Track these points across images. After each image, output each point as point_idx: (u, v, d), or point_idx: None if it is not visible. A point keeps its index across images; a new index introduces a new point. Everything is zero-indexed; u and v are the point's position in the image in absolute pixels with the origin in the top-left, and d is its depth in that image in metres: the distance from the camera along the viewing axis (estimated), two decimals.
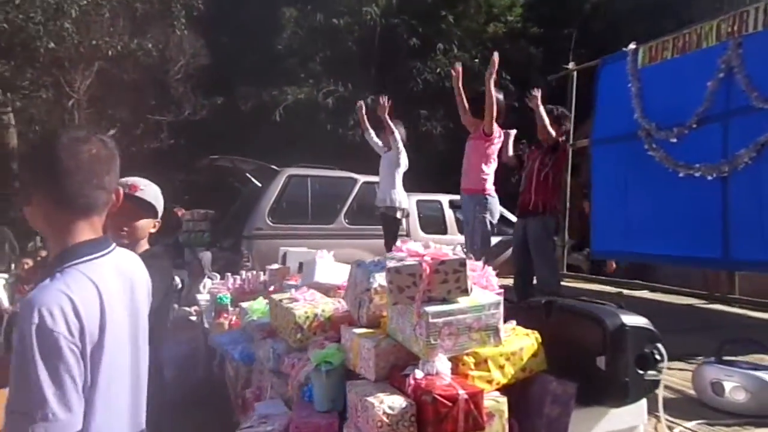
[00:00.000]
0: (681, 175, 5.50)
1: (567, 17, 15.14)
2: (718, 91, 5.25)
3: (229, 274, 5.78)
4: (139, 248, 2.38)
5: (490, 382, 1.87)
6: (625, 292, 6.06)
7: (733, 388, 2.52)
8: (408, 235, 8.19)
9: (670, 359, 3.23)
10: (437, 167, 12.74)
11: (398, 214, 5.77)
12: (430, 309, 1.79)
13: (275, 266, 5.73)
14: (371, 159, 12.89)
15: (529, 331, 2.05)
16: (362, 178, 7.97)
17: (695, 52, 5.53)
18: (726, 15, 5.29)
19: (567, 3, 15.27)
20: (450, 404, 1.65)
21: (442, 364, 1.78)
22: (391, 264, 1.85)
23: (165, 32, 15.42)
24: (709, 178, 5.26)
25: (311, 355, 2.06)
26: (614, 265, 8.30)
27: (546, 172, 4.83)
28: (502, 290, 2.25)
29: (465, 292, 1.86)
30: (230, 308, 3.80)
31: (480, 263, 2.31)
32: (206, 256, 7.53)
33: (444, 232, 8.45)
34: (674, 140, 5.59)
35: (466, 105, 4.83)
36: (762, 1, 4.98)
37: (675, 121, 5.59)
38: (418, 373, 1.75)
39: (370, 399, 1.70)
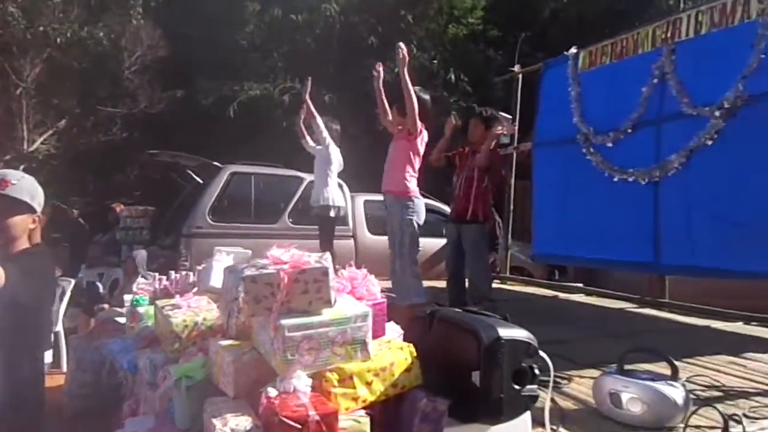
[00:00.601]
0: (616, 179, 5.51)
1: (526, 21, 15.21)
2: (651, 96, 5.27)
3: (156, 273, 5.62)
4: (16, 246, 2.21)
5: (355, 399, 1.77)
6: (561, 295, 6.06)
7: (630, 399, 2.47)
8: (354, 236, 8.09)
9: (584, 366, 3.23)
10: None
11: (332, 213, 5.65)
12: (287, 322, 1.68)
13: (204, 266, 5.60)
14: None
15: (404, 344, 1.96)
16: (309, 177, 7.79)
17: (631, 58, 5.54)
18: (661, 21, 5.31)
19: (527, 7, 15.34)
20: (298, 426, 1.54)
21: (299, 381, 1.68)
22: (247, 272, 1.74)
23: (121, 21, 14.95)
24: (642, 183, 5.27)
25: (172, 368, 1.94)
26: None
27: (486, 185, 4.77)
28: (384, 300, 2.16)
29: (328, 303, 1.75)
30: None
31: (362, 271, 2.22)
32: (141, 254, 7.30)
33: None
34: (610, 145, 5.60)
35: (387, 106, 4.70)
36: (694, 9, 5.01)
37: (611, 126, 5.59)
38: (272, 392, 1.64)
39: (215, 420, 1.59)
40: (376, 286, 2.09)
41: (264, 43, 14.71)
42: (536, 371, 1.94)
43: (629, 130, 5.44)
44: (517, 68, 7.29)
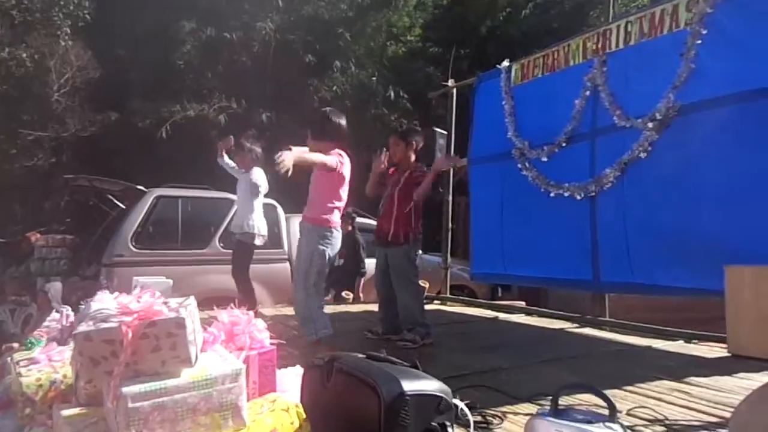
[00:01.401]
0: (552, 195, 5.36)
1: (464, 39, 15.28)
2: (584, 109, 5.15)
3: (65, 308, 5.13)
4: None
5: None
6: (502, 316, 5.84)
7: None
8: (289, 259, 7.73)
9: (519, 400, 2.97)
10: None
11: (257, 241, 5.29)
12: (131, 389, 1.34)
13: (84, 305, 5.14)
14: (277, 179, 12.43)
15: (291, 403, 1.64)
16: None
17: (564, 70, 5.42)
18: (591, 32, 5.21)
19: (464, 25, 15.41)
20: None
21: None
22: (81, 327, 1.39)
23: (48, 42, 14.26)
24: (578, 198, 5.13)
25: None
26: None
27: (410, 207, 4.49)
28: (272, 348, 1.84)
29: (187, 362, 1.42)
30: None
31: (246, 314, 1.90)
32: (55, 286, 6.73)
33: None
34: (545, 159, 5.45)
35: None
36: (623, 19, 4.92)
37: (546, 140, 5.45)
38: None
39: None
40: (263, 332, 1.76)
41: (199, 62, 14.26)
42: (449, 430, 1.64)
43: (564, 144, 5.31)
44: (451, 83, 7.12)
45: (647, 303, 6.07)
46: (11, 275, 7.54)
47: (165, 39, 15.38)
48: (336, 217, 3.65)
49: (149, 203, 7.04)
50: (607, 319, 5.20)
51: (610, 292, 5.22)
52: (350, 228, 6.91)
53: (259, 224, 5.27)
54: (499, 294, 8.98)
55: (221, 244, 7.25)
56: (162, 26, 15.73)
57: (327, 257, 3.58)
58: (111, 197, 7.38)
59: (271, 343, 1.83)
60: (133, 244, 6.82)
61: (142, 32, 17.12)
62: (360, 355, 1.91)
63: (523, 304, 7.15)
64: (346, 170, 3.69)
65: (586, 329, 5.07)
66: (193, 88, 14.04)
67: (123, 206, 7.37)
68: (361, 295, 7.16)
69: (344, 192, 3.77)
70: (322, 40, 13.66)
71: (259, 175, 5.25)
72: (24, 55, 13.25)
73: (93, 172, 13.88)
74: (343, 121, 3.78)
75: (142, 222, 6.98)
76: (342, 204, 3.77)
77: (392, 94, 13.43)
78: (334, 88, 13.18)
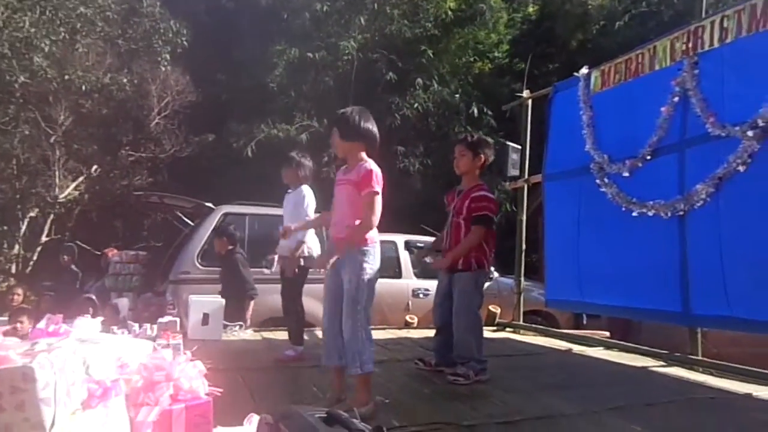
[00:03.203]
0: (635, 214, 4.75)
1: (554, 53, 14.67)
2: (672, 117, 4.54)
3: (132, 324, 5.10)
4: None
5: None
6: (576, 348, 5.23)
7: None
8: None
9: None
10: (415, 206, 12.06)
11: (306, 263, 4.98)
12: None
13: (166, 319, 5.03)
14: None
15: None
16: None
17: (648, 75, 4.83)
18: (680, 31, 4.60)
19: (553, 39, 14.79)
20: None
21: None
22: None
23: (149, 69, 15.08)
24: (665, 217, 4.50)
25: None
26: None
27: None
28: (208, 400, 1.52)
29: (38, 428, 1.11)
30: None
31: (181, 357, 1.59)
32: (122, 302, 6.84)
33: (398, 275, 7.68)
34: (627, 174, 4.86)
35: None
36: (719, 14, 4.30)
37: (628, 153, 4.86)
38: None
39: None
40: (197, 379, 1.44)
41: (288, 83, 14.51)
42: None
43: (648, 157, 4.70)
44: (525, 93, 6.64)
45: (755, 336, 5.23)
46: (90, 289, 7.78)
47: (260, 62, 15.86)
48: (371, 233, 3.21)
49: (216, 220, 7.03)
50: (700, 357, 4.50)
51: (703, 326, 4.53)
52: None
53: (310, 244, 4.94)
54: (584, 322, 8.24)
55: None
56: (258, 50, 16.26)
57: (371, 278, 3.13)
58: (180, 214, 7.42)
59: (209, 394, 1.51)
60: (199, 261, 6.80)
61: (239, 56, 17.82)
62: (319, 414, 1.55)
63: (606, 335, 6.48)
64: (378, 184, 3.21)
65: (675, 369, 4.41)
66: (283, 108, 14.28)
67: (191, 223, 7.40)
68: (248, 319, 6.15)
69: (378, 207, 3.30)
70: (404, 58, 13.50)
71: (308, 193, 4.96)
72: (124, 80, 13.97)
73: (188, 190, 14.38)
74: (373, 123, 3.37)
75: (209, 239, 6.96)
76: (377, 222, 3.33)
77: (476, 111, 13.00)
78: (416, 105, 12.92)
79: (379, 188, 3.12)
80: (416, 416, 3.06)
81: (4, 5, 11.80)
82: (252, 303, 6.04)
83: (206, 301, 5.42)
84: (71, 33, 13.21)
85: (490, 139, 4.46)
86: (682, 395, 3.57)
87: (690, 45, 4.45)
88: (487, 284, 7.80)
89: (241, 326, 5.86)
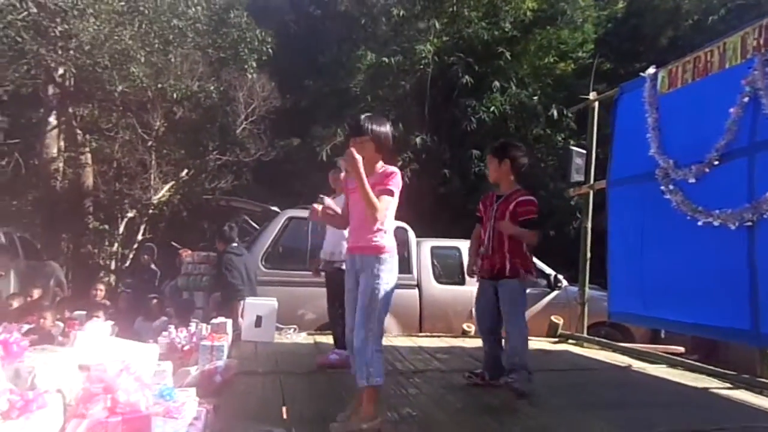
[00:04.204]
0: (701, 223, 4.41)
1: (642, 52, 13.95)
2: (742, 119, 4.17)
3: (172, 327, 5.31)
4: None
5: None
6: (636, 365, 4.92)
7: None
8: (419, 285, 7.41)
9: None
10: None
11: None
12: None
13: (219, 320, 5.19)
14: (423, 200, 12.27)
15: None
16: None
17: (717, 74, 4.47)
18: (751, 26, 4.24)
19: (642, 38, 14.07)
20: None
21: None
22: None
23: (237, 76, 15.71)
24: (732, 227, 4.15)
25: None
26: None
27: None
28: (146, 413, 1.52)
29: None
30: None
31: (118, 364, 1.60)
32: (198, 296, 7.14)
33: (461, 282, 7.55)
34: (693, 181, 4.52)
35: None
36: None
37: (695, 158, 4.52)
38: None
39: None
40: (137, 392, 1.45)
41: (366, 88, 14.67)
42: None
43: (716, 162, 4.35)
44: (592, 95, 6.34)
45: None
46: (165, 287, 8.18)
47: (343, 68, 16.17)
48: (387, 241, 3.08)
49: (281, 224, 7.21)
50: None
51: None
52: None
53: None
54: (662, 336, 7.73)
55: None
56: (342, 56, 16.59)
57: (387, 289, 3.04)
58: (246, 217, 7.66)
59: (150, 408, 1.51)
60: (263, 263, 7.00)
61: (323, 62, 18.23)
62: None
63: (681, 350, 6.06)
64: (397, 186, 3.05)
65: (740, 392, 4.05)
66: (362, 113, 14.47)
67: (257, 227, 7.62)
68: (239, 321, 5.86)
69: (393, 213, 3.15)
70: (482, 61, 13.32)
71: None
72: (212, 87, 14.63)
73: (272, 194, 14.88)
74: (388, 126, 3.17)
75: (273, 242, 7.15)
76: (393, 225, 3.23)
77: (555, 113, 12.59)
78: (492, 108, 12.69)
79: (396, 189, 3.02)
80: (439, 430, 2.99)
81: (107, 21, 12.65)
82: (240, 305, 5.86)
83: (260, 304, 5.56)
84: (165, 44, 13.97)
85: (518, 143, 4.25)
86: (737, 422, 3.27)
87: (761, 41, 4.08)
88: (555, 293, 7.61)
89: (295, 329, 5.95)
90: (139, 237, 14.61)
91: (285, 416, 3.14)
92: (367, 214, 2.95)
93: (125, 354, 2.02)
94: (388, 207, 3.00)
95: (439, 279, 7.58)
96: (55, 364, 1.56)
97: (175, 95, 14.12)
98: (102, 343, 2.25)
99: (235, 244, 6.39)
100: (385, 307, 2.98)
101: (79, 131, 14.86)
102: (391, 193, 3.00)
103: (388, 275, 3.01)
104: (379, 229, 3.00)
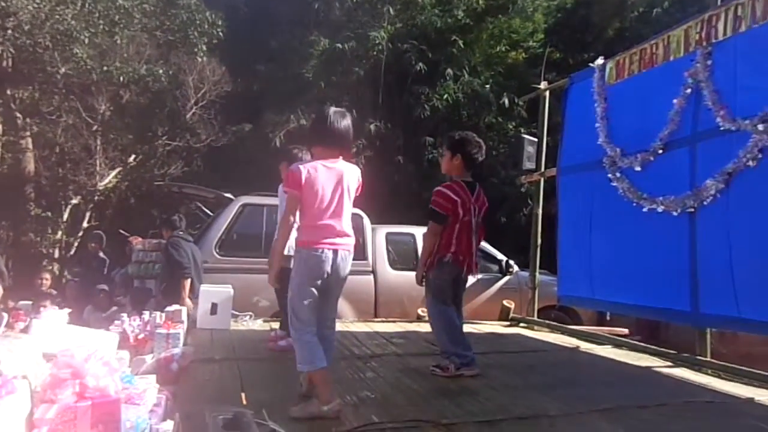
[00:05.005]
0: (645, 209, 4.61)
1: (590, 42, 14.30)
2: (684, 110, 4.38)
3: (125, 315, 5.22)
4: None
5: None
6: (583, 346, 5.12)
7: None
8: (374, 272, 7.47)
9: None
10: None
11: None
12: None
13: (173, 307, 5.12)
14: (376, 186, 12.30)
15: None
16: None
17: (662, 66, 4.66)
18: (694, 19, 4.42)
19: (590, 28, 14.40)
20: None
21: None
22: None
23: (186, 60, 15.31)
24: (675, 214, 4.35)
25: None
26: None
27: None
28: (116, 398, 1.52)
29: None
30: None
31: (86, 350, 1.61)
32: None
33: (415, 267, 7.63)
34: (638, 169, 4.72)
35: None
36: (732, 2, 4.11)
37: (640, 147, 4.72)
38: None
39: None
40: (106, 377, 1.45)
41: (319, 74, 14.57)
42: None
43: (660, 151, 4.56)
44: (543, 85, 6.49)
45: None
46: (116, 275, 8.00)
47: (296, 53, 15.96)
48: (304, 236, 2.99)
49: (235, 211, 7.14)
50: (708, 359, 4.35)
51: (711, 326, 4.38)
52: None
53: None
54: (608, 318, 8.04)
55: None
56: (295, 41, 16.36)
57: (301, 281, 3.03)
58: (199, 204, 7.55)
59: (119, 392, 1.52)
60: (217, 251, 6.93)
61: (275, 47, 17.95)
62: (224, 416, 1.54)
63: (624, 332, 6.33)
64: (307, 189, 2.95)
65: (680, 370, 4.27)
66: (315, 99, 14.36)
67: (210, 213, 7.52)
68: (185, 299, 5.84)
69: (311, 208, 3.00)
70: (435, 49, 13.39)
71: None
72: (160, 71, 14.24)
73: (223, 180, 14.59)
74: (342, 122, 3.05)
75: (227, 229, 7.07)
76: (311, 222, 3.01)
77: (506, 102, 12.80)
78: (445, 96, 12.81)
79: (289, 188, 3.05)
80: (398, 413, 3.05)
81: None
82: (187, 283, 5.85)
83: (215, 291, 5.51)
84: (110, 25, 13.46)
85: (477, 139, 4.16)
86: (679, 398, 3.45)
87: (703, 34, 4.27)
88: (507, 278, 7.79)
89: (251, 316, 5.94)
90: (85, 224, 14.14)
91: (244, 402, 3.14)
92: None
93: (86, 341, 1.99)
94: (290, 210, 3.06)
95: (393, 265, 7.65)
96: (19, 350, 1.54)
97: (121, 78, 13.67)
98: (60, 330, 2.21)
99: (181, 232, 6.32)
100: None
101: (18, 114, 14.23)
102: (289, 196, 3.06)
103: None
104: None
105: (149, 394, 2.24)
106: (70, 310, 3.16)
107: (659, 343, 5.20)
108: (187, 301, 5.72)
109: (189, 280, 5.83)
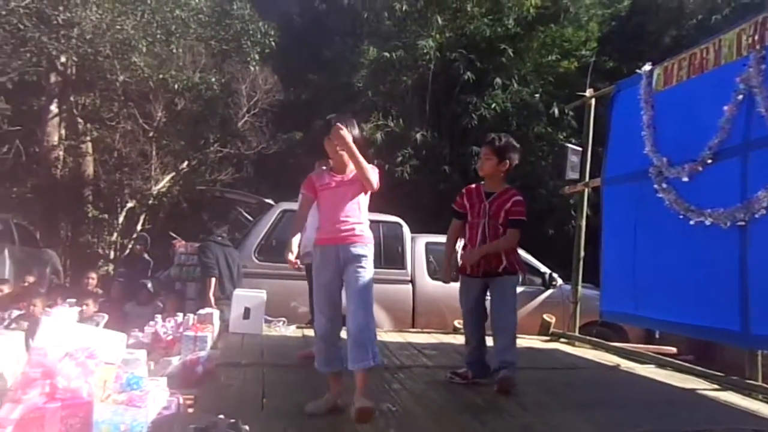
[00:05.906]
0: (692, 222, 4.37)
1: (645, 51, 13.86)
2: (735, 117, 4.12)
3: (159, 317, 5.28)
4: None
5: None
6: (624, 365, 4.87)
7: None
8: (412, 281, 7.37)
9: None
10: None
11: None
12: None
13: (205, 311, 5.16)
14: (422, 196, 12.21)
15: None
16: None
17: (712, 71, 4.42)
18: (747, 22, 4.18)
19: (645, 36, 13.97)
20: None
21: None
22: None
23: (240, 68, 15.64)
24: (724, 227, 4.10)
25: None
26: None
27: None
28: (88, 400, 1.48)
29: None
30: None
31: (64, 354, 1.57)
32: (190, 287, 7.14)
33: (456, 278, 7.48)
34: (686, 179, 4.48)
35: None
36: None
37: (688, 156, 4.48)
38: None
39: None
40: (78, 378, 1.42)
41: (369, 83, 14.62)
42: None
43: (709, 161, 4.31)
44: (588, 92, 6.28)
45: None
46: (160, 277, 8.17)
47: (347, 62, 16.11)
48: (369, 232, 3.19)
49: (275, 217, 7.18)
50: (759, 383, 4.07)
51: (762, 348, 4.10)
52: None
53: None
54: (657, 336, 7.67)
55: None
56: (347, 50, 16.52)
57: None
58: (240, 209, 7.64)
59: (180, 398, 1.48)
60: (256, 256, 6.98)
61: (327, 56, 18.16)
62: (195, 426, 1.48)
63: (672, 351, 6.02)
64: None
65: (728, 394, 4.00)
66: (364, 107, 14.44)
67: (251, 219, 7.60)
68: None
69: None
70: (484, 58, 13.23)
71: None
72: (213, 79, 14.59)
73: (273, 187, 14.78)
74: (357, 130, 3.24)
75: (266, 235, 7.12)
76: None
77: (556, 111, 12.52)
78: (493, 105, 12.62)
79: None
80: (418, 427, 2.96)
81: (109, 10, 12.61)
82: (212, 282, 6.16)
83: (248, 296, 5.53)
84: (167, 35, 13.91)
85: (516, 144, 4.13)
86: (721, 424, 3.22)
87: (757, 37, 4.03)
88: (549, 292, 7.56)
89: (284, 322, 5.93)
90: (139, 227, 14.57)
91: (263, 408, 3.12)
92: (358, 196, 3.11)
93: (88, 341, 1.98)
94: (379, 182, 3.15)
95: (433, 275, 7.53)
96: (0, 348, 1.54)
97: (176, 86, 14.08)
98: (67, 328, 2.21)
99: (219, 237, 6.47)
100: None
101: (80, 120, 14.84)
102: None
103: (372, 264, 3.09)
104: (362, 222, 3.08)
105: (155, 397, 2.21)
106: (80, 309, 3.21)
107: (713, 365, 4.92)
108: (210, 298, 5.92)
109: (213, 280, 6.06)
